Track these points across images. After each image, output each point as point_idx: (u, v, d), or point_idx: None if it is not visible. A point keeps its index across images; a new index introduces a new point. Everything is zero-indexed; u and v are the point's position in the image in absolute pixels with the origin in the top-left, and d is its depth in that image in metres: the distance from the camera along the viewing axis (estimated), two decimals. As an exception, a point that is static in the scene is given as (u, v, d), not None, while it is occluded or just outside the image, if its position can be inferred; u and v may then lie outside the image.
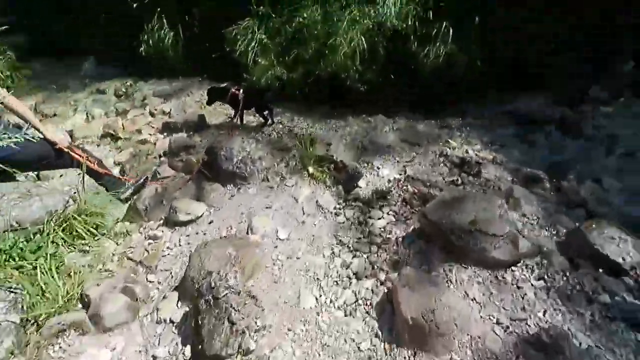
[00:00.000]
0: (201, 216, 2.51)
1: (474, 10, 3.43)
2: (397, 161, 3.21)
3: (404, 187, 2.79)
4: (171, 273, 2.21)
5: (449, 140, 3.37)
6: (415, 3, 3.52)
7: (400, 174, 3.01)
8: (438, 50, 3.50)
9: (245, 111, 3.82)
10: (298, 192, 2.68)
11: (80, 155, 2.36)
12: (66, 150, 2.27)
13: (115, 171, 3.26)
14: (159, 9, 4.92)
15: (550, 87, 3.88)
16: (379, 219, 2.47)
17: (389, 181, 2.91)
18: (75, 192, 2.33)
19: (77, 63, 6.00)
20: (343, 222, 2.49)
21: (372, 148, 3.36)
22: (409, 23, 3.50)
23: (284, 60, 4.18)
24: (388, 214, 2.50)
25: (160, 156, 3.38)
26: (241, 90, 3.41)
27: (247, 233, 2.37)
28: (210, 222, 2.52)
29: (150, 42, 5.00)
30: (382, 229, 2.40)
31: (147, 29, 5.00)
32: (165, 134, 3.77)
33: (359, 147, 3.36)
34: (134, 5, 4.73)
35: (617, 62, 3.82)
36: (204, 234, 2.44)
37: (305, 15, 3.92)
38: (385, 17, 3.46)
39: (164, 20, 5.00)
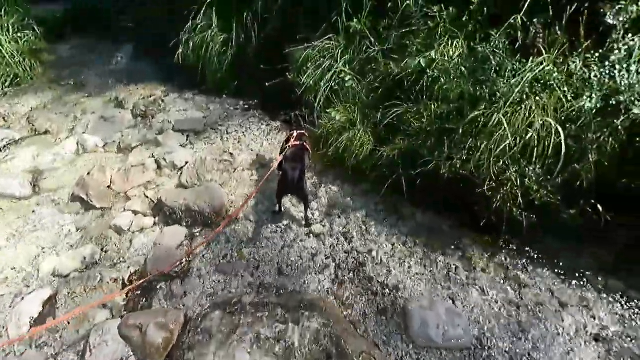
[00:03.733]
0: None
1: None
2: None
3: None
4: None
5: None
6: None
7: None
8: None
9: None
10: None
11: None
12: None
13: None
14: (208, 0, 3.46)
15: None
16: None
17: None
18: None
19: (114, 50, 4.84)
20: None
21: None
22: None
23: (372, 120, 2.45)
24: None
25: (124, 283, 1.88)
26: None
27: None
28: None
29: (191, 44, 3.59)
30: None
31: (191, 25, 3.60)
32: (157, 218, 2.27)
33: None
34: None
35: None
36: None
37: (432, 54, 2.12)
38: (631, 89, 1.54)
39: (214, 18, 3.53)
